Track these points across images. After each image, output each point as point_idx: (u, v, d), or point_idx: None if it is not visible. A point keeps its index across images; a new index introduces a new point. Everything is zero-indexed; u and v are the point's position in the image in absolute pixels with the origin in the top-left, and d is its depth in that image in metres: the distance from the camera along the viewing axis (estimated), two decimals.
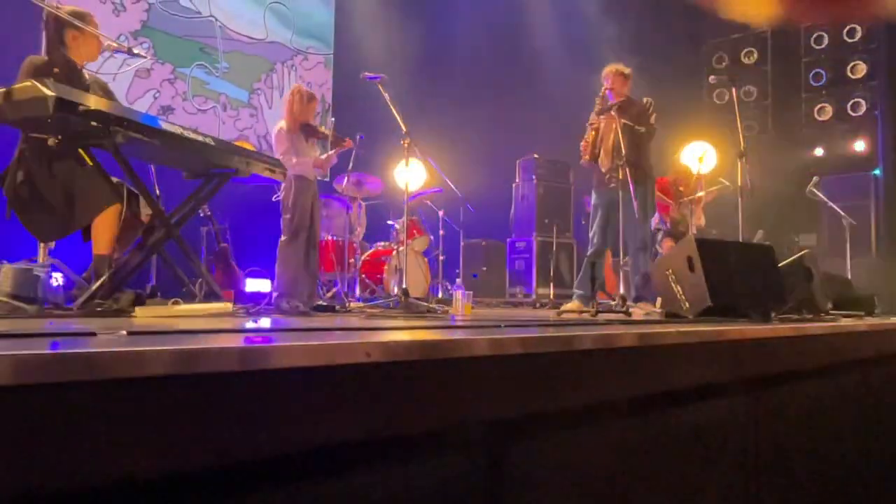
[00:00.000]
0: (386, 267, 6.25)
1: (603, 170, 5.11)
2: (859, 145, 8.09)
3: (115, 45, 3.45)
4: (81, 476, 0.74)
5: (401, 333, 1.68)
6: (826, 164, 8.18)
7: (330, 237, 6.13)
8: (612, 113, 4.83)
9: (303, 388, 0.96)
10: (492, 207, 7.92)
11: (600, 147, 5.12)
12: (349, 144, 4.94)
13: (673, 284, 3.38)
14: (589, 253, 5.25)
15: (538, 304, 7.16)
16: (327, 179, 5.04)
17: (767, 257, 3.65)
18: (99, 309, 2.65)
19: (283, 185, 4.68)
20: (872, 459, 3.05)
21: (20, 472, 0.70)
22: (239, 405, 0.88)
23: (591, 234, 5.26)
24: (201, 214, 5.69)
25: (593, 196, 5.32)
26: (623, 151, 4.50)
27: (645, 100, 5.19)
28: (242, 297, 5.15)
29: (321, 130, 4.97)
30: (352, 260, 5.97)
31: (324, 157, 4.90)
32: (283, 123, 4.78)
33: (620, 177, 4.52)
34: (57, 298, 2.75)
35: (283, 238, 4.65)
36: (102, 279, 2.86)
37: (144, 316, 2.43)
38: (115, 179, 3.15)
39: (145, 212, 3.28)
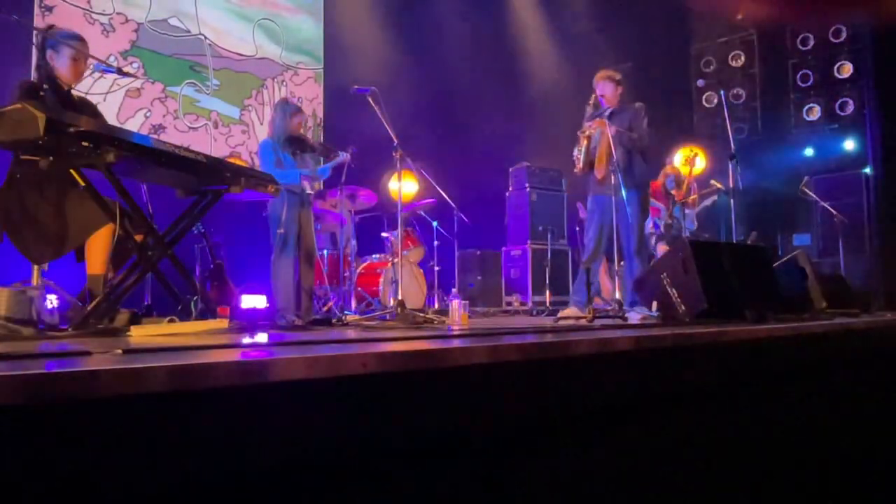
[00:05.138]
0: (381, 279, 6.24)
1: (599, 176, 5.12)
2: (849, 144, 8.15)
3: (105, 64, 3.45)
4: (80, 493, 0.74)
5: (397, 344, 1.68)
6: (817, 163, 8.23)
7: (324, 251, 6.13)
8: (603, 119, 4.85)
9: (301, 400, 0.95)
10: (486, 216, 7.93)
11: (594, 154, 5.13)
12: (346, 160, 4.97)
13: (668, 287, 3.39)
14: (584, 259, 5.26)
15: (535, 312, 7.16)
16: (311, 192, 5.07)
17: (762, 258, 3.67)
18: (94, 329, 2.63)
19: (270, 200, 4.68)
20: (871, 456, 3.05)
21: (19, 489, 0.69)
22: (238, 418, 0.88)
23: (585, 240, 5.27)
24: (195, 232, 5.68)
25: (588, 202, 5.33)
26: (615, 158, 4.52)
27: (637, 105, 5.20)
28: (238, 314, 5.13)
29: (310, 142, 5.01)
30: (347, 273, 5.96)
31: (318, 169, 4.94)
32: (266, 138, 4.84)
33: (613, 182, 4.54)
34: (52, 320, 2.73)
35: (274, 252, 4.66)
36: (97, 299, 2.84)
37: (140, 335, 2.41)
38: (107, 199, 3.14)
39: (139, 231, 3.27)
